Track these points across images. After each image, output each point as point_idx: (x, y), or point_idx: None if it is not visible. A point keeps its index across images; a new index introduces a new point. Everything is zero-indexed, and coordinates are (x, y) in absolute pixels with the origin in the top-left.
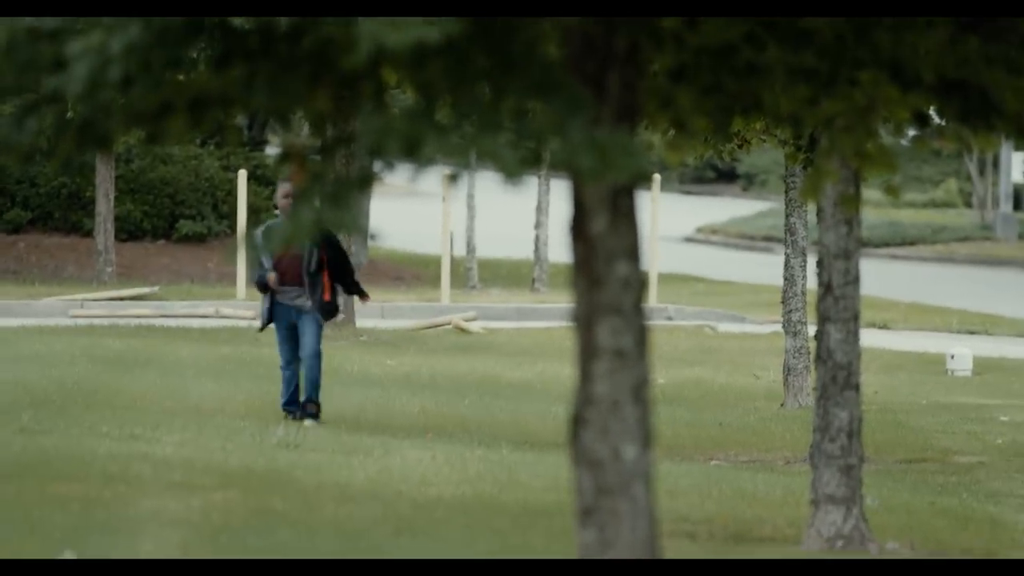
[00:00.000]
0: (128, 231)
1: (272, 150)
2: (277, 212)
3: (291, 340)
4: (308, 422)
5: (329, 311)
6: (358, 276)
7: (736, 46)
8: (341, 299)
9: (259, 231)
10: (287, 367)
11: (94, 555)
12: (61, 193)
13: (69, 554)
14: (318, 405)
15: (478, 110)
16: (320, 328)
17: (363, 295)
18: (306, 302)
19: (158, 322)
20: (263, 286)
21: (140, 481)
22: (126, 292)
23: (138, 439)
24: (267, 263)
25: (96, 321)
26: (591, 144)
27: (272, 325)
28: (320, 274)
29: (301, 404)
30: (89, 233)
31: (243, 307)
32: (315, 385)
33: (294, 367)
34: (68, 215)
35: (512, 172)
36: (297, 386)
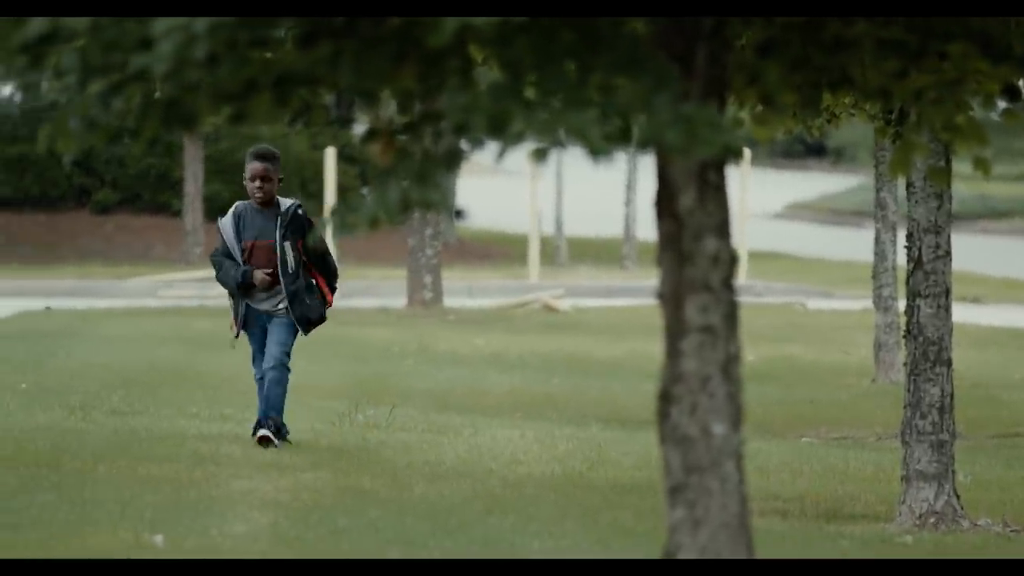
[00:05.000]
0: (216, 211)
1: (359, 129)
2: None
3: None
4: (263, 434)
5: (319, 320)
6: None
7: (824, 19)
8: (429, 275)
9: (227, 217)
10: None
11: (185, 537)
12: (150, 174)
13: (160, 540)
14: (279, 428)
15: (564, 86)
16: (294, 336)
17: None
18: (279, 306)
19: None
20: (246, 285)
21: (230, 462)
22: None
23: (228, 419)
24: (238, 254)
25: (184, 301)
26: (678, 119)
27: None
28: (302, 273)
29: (257, 421)
30: (177, 213)
31: None
32: (277, 405)
33: None
34: (156, 196)
35: (599, 149)
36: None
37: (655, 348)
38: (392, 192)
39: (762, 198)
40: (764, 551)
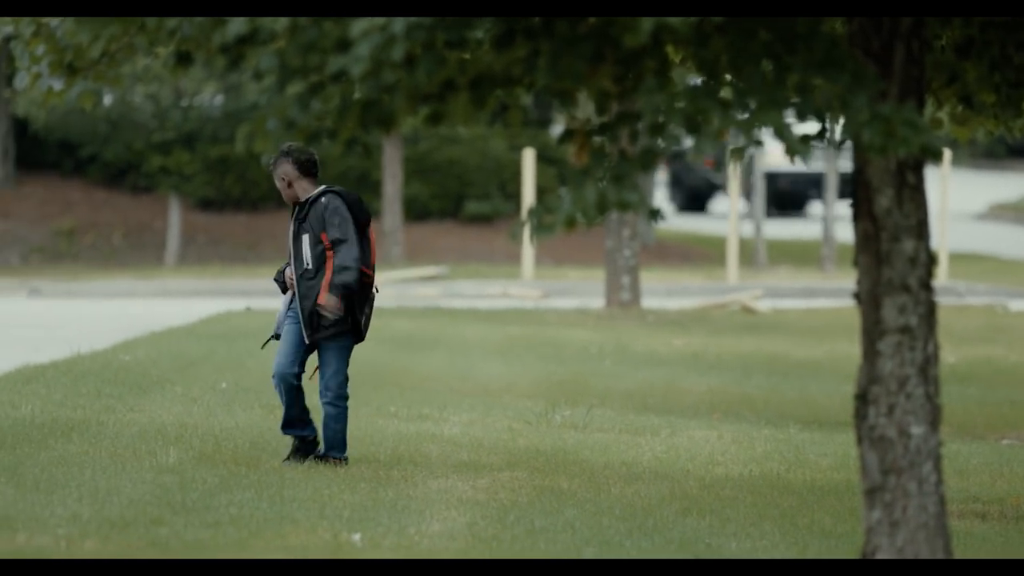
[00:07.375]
0: (416, 212)
1: (557, 129)
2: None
3: (299, 344)
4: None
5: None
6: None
7: None
8: (627, 276)
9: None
10: (288, 373)
11: (383, 535)
12: (349, 175)
13: (358, 539)
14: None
15: (761, 86)
16: (348, 357)
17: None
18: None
19: (445, 303)
20: (283, 285)
21: (428, 461)
22: (414, 273)
23: (426, 419)
24: (291, 254)
25: (384, 302)
26: (875, 119)
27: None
28: (322, 272)
29: (322, 457)
30: (377, 214)
31: (530, 287)
32: (339, 444)
33: (296, 374)
34: None
35: (797, 148)
36: (303, 401)
37: (854, 349)
38: (589, 193)
39: (964, 199)
40: (963, 552)
